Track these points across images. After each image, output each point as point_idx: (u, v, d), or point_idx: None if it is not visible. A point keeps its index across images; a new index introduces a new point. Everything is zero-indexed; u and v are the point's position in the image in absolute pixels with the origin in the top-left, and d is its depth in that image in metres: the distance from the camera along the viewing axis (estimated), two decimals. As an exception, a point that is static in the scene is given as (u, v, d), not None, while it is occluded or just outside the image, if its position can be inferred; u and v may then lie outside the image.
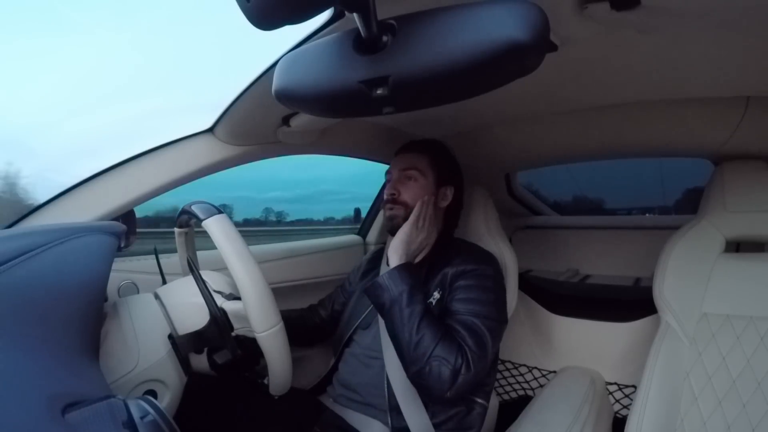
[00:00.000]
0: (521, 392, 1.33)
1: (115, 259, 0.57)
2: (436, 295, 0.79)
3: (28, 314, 0.42)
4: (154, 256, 0.81)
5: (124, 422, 0.36)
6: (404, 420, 0.76)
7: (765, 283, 0.80)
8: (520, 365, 1.33)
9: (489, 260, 0.86)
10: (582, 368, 1.18)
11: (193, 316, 0.64)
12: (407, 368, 0.71)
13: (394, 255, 0.77)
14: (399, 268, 0.74)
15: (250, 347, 0.64)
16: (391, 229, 0.88)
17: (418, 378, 0.70)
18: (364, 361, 0.84)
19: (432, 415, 0.76)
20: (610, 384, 1.16)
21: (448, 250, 0.87)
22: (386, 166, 0.94)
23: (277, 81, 0.37)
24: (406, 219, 0.85)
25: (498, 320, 0.78)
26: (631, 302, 1.16)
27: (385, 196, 0.90)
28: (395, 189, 0.88)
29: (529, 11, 0.28)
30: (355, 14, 0.30)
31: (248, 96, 0.66)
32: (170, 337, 0.62)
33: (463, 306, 0.76)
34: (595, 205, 1.98)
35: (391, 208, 0.87)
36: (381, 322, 0.83)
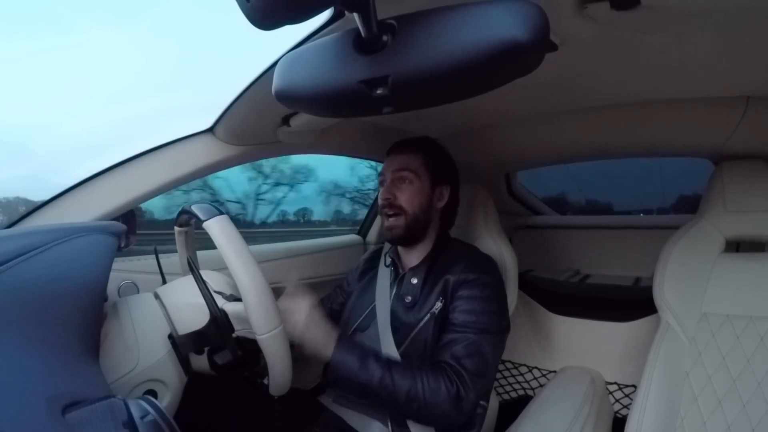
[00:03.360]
0: (521, 392, 1.33)
1: (115, 259, 0.57)
2: (438, 304, 0.79)
3: (28, 314, 0.42)
4: (154, 256, 0.81)
5: (124, 422, 0.36)
6: (404, 422, 0.76)
7: (765, 283, 0.80)
8: (520, 365, 1.34)
9: (489, 267, 0.85)
10: (582, 368, 1.18)
11: (193, 316, 0.64)
12: (414, 420, 0.73)
13: (322, 349, 0.70)
14: (334, 354, 0.70)
15: (250, 348, 0.64)
16: (391, 239, 0.87)
17: (425, 423, 0.73)
18: None
19: None
20: (610, 384, 1.16)
21: (446, 253, 0.86)
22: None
23: (277, 81, 0.37)
24: (406, 227, 0.83)
25: (500, 331, 0.79)
26: (631, 302, 1.17)
27: (380, 202, 0.86)
28: (390, 193, 0.84)
29: (529, 11, 0.28)
30: (355, 14, 0.30)
31: (248, 96, 0.66)
32: (170, 337, 0.62)
33: (465, 317, 0.76)
34: (595, 207, 1.98)
35: (388, 216, 0.84)
36: (379, 323, 0.83)
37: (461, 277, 0.79)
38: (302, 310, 0.70)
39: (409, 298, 0.82)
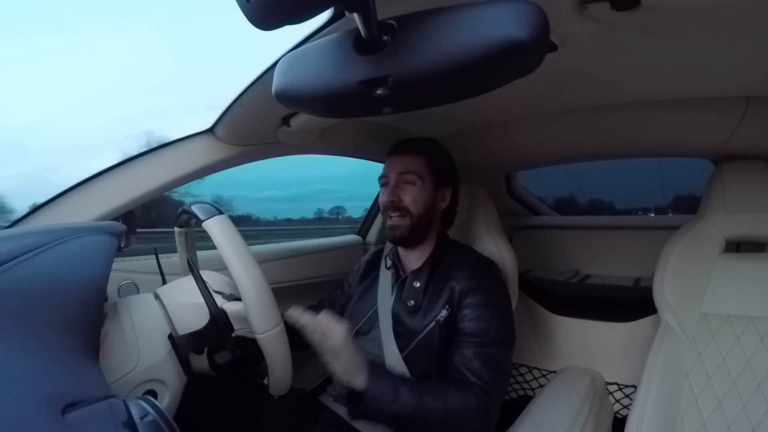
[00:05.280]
0: (521, 392, 1.33)
1: (115, 259, 0.57)
2: (444, 312, 0.79)
3: (28, 314, 0.42)
4: (154, 256, 0.81)
5: (124, 422, 0.36)
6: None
7: (765, 283, 0.80)
8: (520, 365, 1.33)
9: (492, 271, 0.86)
10: (582, 368, 1.18)
11: (193, 316, 0.64)
12: None
13: (352, 377, 0.67)
14: (368, 386, 0.67)
15: (250, 348, 0.64)
16: (393, 239, 0.86)
17: None
18: None
19: None
20: (610, 384, 1.16)
21: (447, 255, 0.86)
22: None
23: (277, 81, 0.37)
24: (410, 228, 0.83)
25: (511, 338, 0.81)
26: (631, 302, 1.16)
27: (383, 203, 0.86)
28: (395, 195, 0.84)
29: (529, 11, 0.28)
30: (355, 14, 0.30)
31: (248, 96, 0.66)
32: (170, 337, 0.62)
33: (476, 326, 0.76)
34: (595, 207, 1.98)
35: (391, 217, 0.84)
36: (382, 326, 0.83)
37: (467, 285, 0.79)
38: (339, 336, 0.67)
39: (412, 302, 0.82)
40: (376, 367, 0.71)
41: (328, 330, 0.67)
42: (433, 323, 0.78)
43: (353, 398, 0.69)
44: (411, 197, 0.84)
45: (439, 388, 0.71)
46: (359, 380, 0.67)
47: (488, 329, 0.76)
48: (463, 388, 0.71)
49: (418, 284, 0.84)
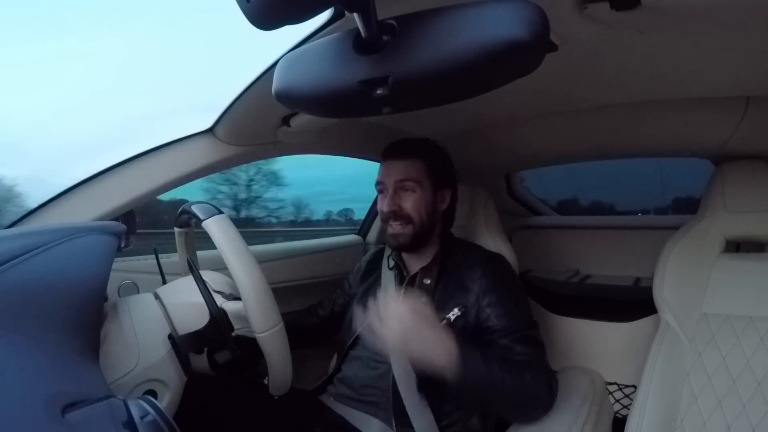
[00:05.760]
0: (521, 392, 1.33)
1: (115, 259, 0.57)
2: (456, 311, 0.78)
3: (28, 314, 0.42)
4: (154, 256, 0.81)
5: (124, 422, 0.36)
6: (409, 424, 0.75)
7: (765, 283, 0.80)
8: (520, 365, 1.33)
9: (502, 264, 0.87)
10: (582, 368, 1.18)
11: (193, 316, 0.64)
12: (513, 415, 0.75)
13: (439, 358, 0.62)
14: (460, 355, 0.63)
15: (250, 347, 0.64)
16: (396, 247, 0.85)
17: (522, 413, 0.74)
18: (369, 363, 0.84)
19: (437, 419, 0.76)
20: (610, 384, 1.16)
21: (454, 252, 0.86)
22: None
23: (277, 81, 0.37)
24: (413, 235, 0.82)
25: (536, 323, 0.81)
26: (631, 302, 1.16)
27: (382, 210, 0.84)
28: (394, 204, 0.82)
29: (529, 11, 0.28)
30: (355, 14, 0.30)
31: (248, 96, 0.67)
32: (170, 337, 0.62)
33: (503, 321, 0.76)
34: (595, 207, 1.98)
35: (392, 225, 0.82)
36: None
37: (483, 285, 0.79)
38: (399, 313, 0.62)
39: (423, 299, 0.82)
40: (463, 341, 0.66)
41: (389, 308, 0.64)
42: (443, 322, 0.77)
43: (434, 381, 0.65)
44: (411, 204, 0.82)
45: (519, 365, 0.71)
46: (446, 360, 0.62)
47: (516, 319, 0.77)
48: (538, 372, 0.73)
49: (429, 281, 0.83)
